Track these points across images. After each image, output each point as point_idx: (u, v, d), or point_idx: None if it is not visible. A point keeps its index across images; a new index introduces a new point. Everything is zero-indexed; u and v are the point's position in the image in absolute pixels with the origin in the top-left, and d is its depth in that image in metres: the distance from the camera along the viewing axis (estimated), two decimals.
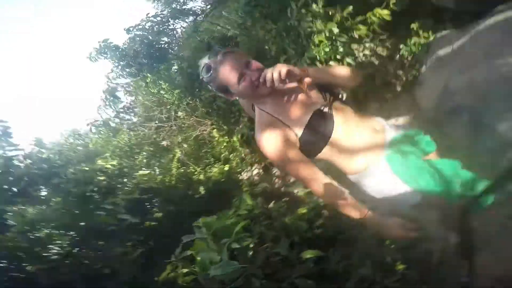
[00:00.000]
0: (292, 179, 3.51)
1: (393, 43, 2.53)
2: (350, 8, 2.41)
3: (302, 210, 1.93)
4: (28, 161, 3.51)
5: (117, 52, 5.18)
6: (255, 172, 5.16)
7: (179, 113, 6.81)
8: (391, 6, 2.30)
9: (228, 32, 5.63)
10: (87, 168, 3.85)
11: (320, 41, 2.75)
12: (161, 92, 5.62)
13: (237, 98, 1.21)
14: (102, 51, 5.13)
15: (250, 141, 5.06)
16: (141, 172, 6.03)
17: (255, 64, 1.09)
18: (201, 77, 1.17)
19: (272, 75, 0.99)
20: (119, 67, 5.28)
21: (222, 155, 6.37)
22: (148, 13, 5.49)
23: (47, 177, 3.44)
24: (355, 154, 1.12)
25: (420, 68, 2.25)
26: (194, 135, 6.92)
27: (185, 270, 1.49)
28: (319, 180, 1.09)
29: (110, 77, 5.31)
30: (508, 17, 1.45)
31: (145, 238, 3.48)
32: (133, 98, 6.06)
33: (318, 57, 2.81)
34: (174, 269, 1.56)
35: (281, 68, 0.99)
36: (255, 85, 1.08)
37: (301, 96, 1.14)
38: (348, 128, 1.13)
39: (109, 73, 5.39)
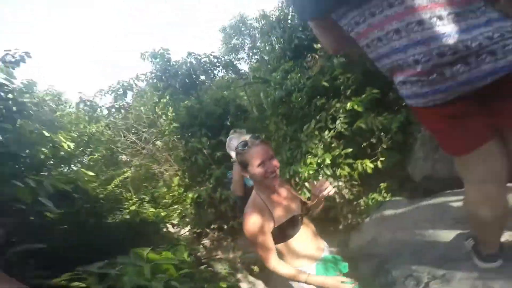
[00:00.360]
0: (219, 255, 3.56)
1: (358, 191, 3.02)
2: (350, 150, 2.96)
3: (223, 284, 2.07)
4: (10, 95, 3.35)
5: (165, 64, 5.51)
6: (186, 233, 5.01)
7: (158, 142, 6.89)
8: (378, 162, 2.86)
9: (248, 105, 6.23)
10: (47, 134, 3.64)
11: (310, 163, 3.20)
12: (163, 116, 5.81)
13: (247, 176, 1.45)
14: (155, 56, 5.48)
15: (202, 205, 5.08)
16: (88, 171, 5.68)
17: (276, 161, 1.39)
18: (235, 147, 1.46)
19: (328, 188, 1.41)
20: (153, 75, 5.54)
21: (164, 200, 6.22)
22: (213, 52, 6.06)
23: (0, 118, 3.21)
24: (299, 256, 1.47)
25: (365, 219, 2.67)
26: (153, 168, 6.82)
27: (82, 285, 1.50)
28: (274, 261, 1.37)
29: (139, 77, 5.52)
30: (441, 202, 2.05)
31: (45, 235, 3.07)
32: (135, 104, 6.20)
33: (300, 174, 3.20)
34: (70, 279, 1.53)
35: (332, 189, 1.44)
36: (266, 175, 1.35)
37: (290, 200, 1.48)
38: (305, 238, 1.47)
39: (142, 74, 5.62)
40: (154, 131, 6.43)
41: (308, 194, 3.10)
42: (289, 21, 4.70)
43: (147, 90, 6.27)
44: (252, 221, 1.33)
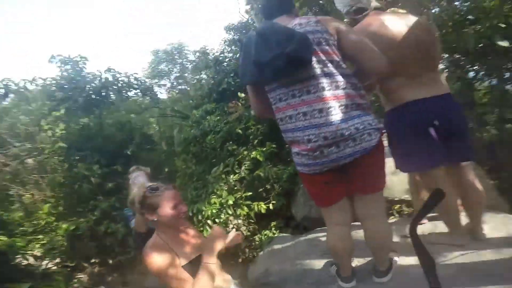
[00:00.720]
0: None
1: (254, 228, 3.46)
2: (250, 193, 3.42)
3: None
4: None
5: (75, 73, 4.80)
6: (53, 266, 4.21)
7: (30, 161, 5.73)
8: (270, 205, 3.38)
9: (156, 136, 5.98)
10: None
11: (214, 203, 3.37)
12: (48, 132, 4.99)
13: (155, 219, 1.43)
14: (66, 61, 4.74)
15: (80, 237, 4.43)
16: None
17: (185, 205, 1.50)
18: (145, 190, 1.45)
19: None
20: (54, 81, 4.68)
21: (21, 228, 5.07)
22: (136, 73, 5.68)
23: None
24: None
25: (259, 253, 3.01)
26: (10, 189, 5.52)
27: None
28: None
29: (36, 80, 4.59)
30: (314, 237, 2.61)
31: None
32: (15, 110, 5.13)
33: (203, 212, 3.33)
34: None
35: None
36: (180, 216, 1.44)
37: (195, 239, 1.55)
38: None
39: (40, 78, 4.66)
40: (29, 146, 5.41)
41: (209, 231, 3.30)
42: (225, 63, 4.94)
43: (38, 97, 5.31)
44: (156, 259, 1.36)
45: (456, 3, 3.45)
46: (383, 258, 1.72)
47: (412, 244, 0.61)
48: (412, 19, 1.76)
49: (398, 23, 1.72)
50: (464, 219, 1.92)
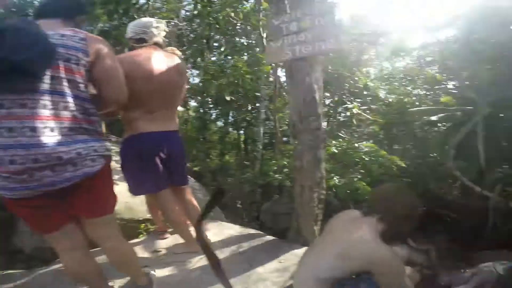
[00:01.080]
0: None
1: None
2: None
3: None
4: None
5: None
6: None
7: None
8: None
9: None
10: None
11: None
12: None
13: None
14: None
15: None
16: None
17: None
18: None
19: None
20: None
21: None
22: None
23: None
24: None
25: None
26: None
27: None
28: None
29: None
30: (59, 266, 2.07)
31: None
32: None
33: None
34: None
35: None
36: None
37: None
38: None
39: None
40: None
41: None
42: None
43: None
44: None
45: (229, 56, 4.35)
46: (137, 274, 1.74)
47: (200, 245, 0.60)
48: (175, 61, 1.99)
49: (160, 62, 1.91)
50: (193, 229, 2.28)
